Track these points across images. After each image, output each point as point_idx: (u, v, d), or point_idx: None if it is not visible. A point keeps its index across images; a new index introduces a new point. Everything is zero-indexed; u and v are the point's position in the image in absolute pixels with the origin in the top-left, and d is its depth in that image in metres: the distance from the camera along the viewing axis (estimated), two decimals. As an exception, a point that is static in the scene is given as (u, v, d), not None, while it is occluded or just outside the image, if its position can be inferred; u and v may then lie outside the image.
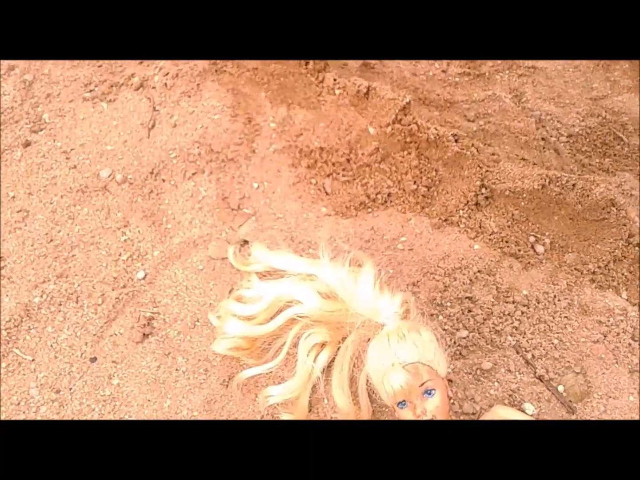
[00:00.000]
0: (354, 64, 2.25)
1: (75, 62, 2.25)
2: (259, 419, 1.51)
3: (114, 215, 1.91)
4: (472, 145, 1.86)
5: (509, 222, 1.83)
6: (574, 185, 1.74)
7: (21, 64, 2.25)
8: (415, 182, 1.87)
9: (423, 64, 2.36)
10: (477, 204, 1.85)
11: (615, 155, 2.27)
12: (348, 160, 1.94)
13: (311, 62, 2.00)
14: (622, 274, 1.76)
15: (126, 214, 1.91)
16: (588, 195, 1.73)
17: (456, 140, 1.84)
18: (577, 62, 2.31)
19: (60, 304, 1.74)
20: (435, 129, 1.84)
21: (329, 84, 1.99)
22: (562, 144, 2.27)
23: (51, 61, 2.24)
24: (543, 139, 2.18)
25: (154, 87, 2.15)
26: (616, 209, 1.74)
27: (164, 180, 1.96)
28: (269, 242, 1.76)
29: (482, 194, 1.84)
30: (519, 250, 1.78)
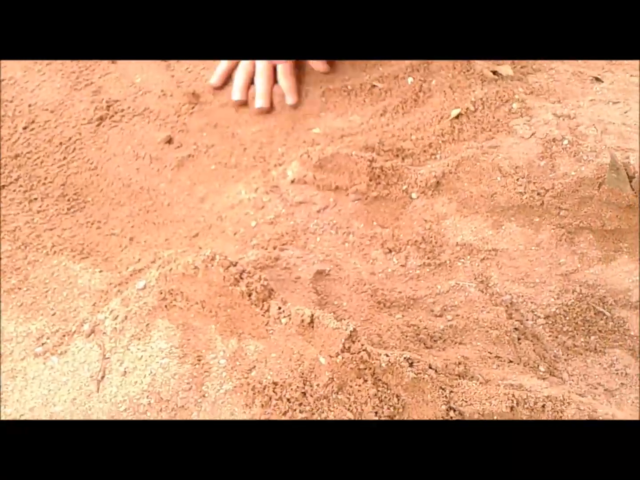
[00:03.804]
0: (306, 274, 2.19)
1: (29, 313, 2.23)
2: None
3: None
4: (430, 366, 1.72)
5: (485, 448, 1.65)
6: (543, 406, 1.57)
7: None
8: (376, 413, 1.71)
9: (380, 260, 2.28)
10: (446, 430, 1.68)
11: (600, 331, 2.10)
12: (304, 394, 1.80)
13: (254, 291, 1.93)
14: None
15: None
16: (560, 417, 1.55)
17: (410, 365, 1.70)
18: (538, 239, 2.21)
19: None
20: (386, 355, 1.72)
21: (274, 313, 1.90)
22: (541, 327, 2.12)
23: (5, 316, 2.22)
24: (516, 329, 2.03)
25: (104, 333, 2.09)
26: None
27: (113, 440, 1.84)
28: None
29: (450, 418, 1.67)
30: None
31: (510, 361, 1.94)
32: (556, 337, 2.09)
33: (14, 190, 2.61)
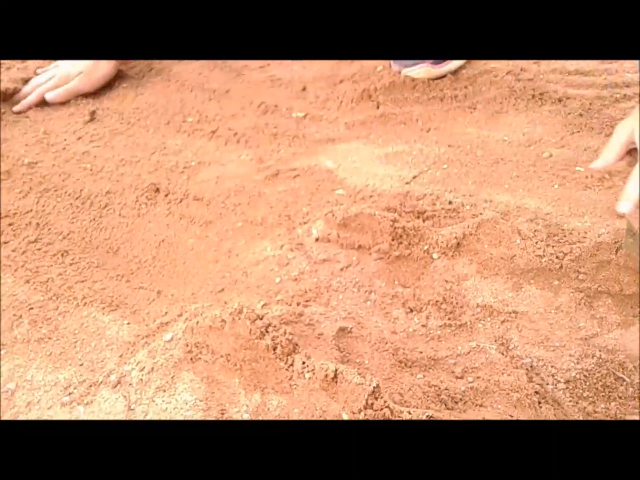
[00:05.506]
0: (329, 331, 2.23)
1: (58, 363, 2.28)
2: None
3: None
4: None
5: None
6: (565, 469, 1.58)
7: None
8: (397, 472, 1.73)
9: (402, 319, 2.32)
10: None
11: (620, 397, 2.10)
12: (325, 451, 1.82)
13: (279, 345, 1.98)
14: None
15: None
16: None
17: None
18: (558, 302, 2.24)
19: None
20: (409, 412, 1.74)
21: (298, 368, 1.94)
22: (561, 391, 2.13)
23: (34, 365, 2.28)
24: (537, 392, 2.04)
25: (130, 384, 2.14)
26: None
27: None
28: None
29: None
30: None
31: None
32: (577, 403, 2.09)
33: (48, 243, 2.71)
